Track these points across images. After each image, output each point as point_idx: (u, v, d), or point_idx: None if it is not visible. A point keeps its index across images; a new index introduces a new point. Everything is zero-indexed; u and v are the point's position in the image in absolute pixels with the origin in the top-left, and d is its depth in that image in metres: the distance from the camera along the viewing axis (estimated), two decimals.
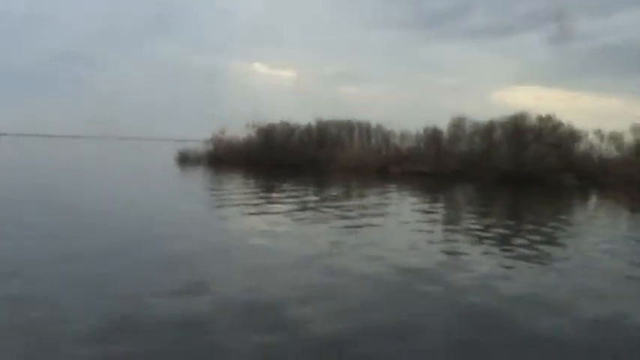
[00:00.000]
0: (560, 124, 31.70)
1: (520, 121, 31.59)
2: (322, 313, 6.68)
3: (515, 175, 29.47)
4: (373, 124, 37.03)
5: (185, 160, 39.80)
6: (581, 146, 32.05)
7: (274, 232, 12.44)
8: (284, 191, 22.99)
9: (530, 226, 15.26)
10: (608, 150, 34.65)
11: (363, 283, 8.20)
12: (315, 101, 56.99)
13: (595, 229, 15.64)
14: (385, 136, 36.11)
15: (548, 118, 31.53)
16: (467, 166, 30.87)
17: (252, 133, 39.19)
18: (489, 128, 31.92)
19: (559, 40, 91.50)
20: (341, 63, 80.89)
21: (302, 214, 16.02)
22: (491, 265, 9.72)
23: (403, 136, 35.36)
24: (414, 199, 22.21)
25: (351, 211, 16.83)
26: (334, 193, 23.62)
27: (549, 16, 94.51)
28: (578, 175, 29.87)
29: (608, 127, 35.36)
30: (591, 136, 33.93)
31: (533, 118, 31.61)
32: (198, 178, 29.65)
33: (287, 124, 39.40)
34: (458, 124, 32.48)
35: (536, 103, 76.18)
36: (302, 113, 36.75)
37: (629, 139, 34.32)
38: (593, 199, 26.33)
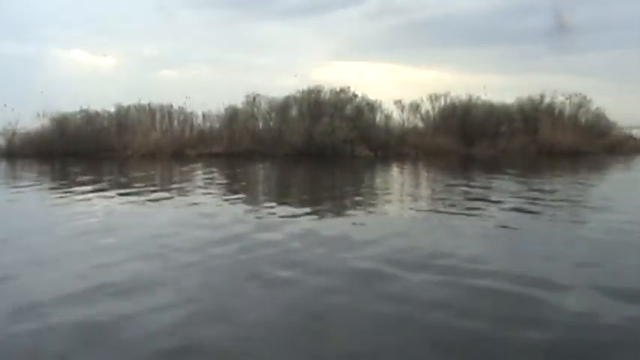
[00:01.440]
0: (355, 96, 31.17)
1: (315, 95, 30.70)
2: None
3: (307, 149, 28.59)
4: (175, 106, 34.69)
5: None
6: (379, 117, 31.69)
7: None
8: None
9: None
10: (410, 120, 34.91)
11: None
12: (136, 87, 53.38)
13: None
14: (187, 118, 33.98)
15: (342, 90, 30.88)
16: (261, 144, 29.58)
17: (45, 123, 35.54)
18: (284, 104, 30.77)
19: (377, 16, 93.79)
20: (161, 46, 77.33)
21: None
22: None
23: (206, 117, 33.37)
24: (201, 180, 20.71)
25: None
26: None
27: None
28: (373, 147, 29.51)
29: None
30: (391, 107, 33.93)
31: (328, 92, 30.80)
32: None
33: (85, 111, 36.25)
34: (252, 101, 31.04)
35: (357, 78, 77.23)
36: (122, 100, 33.42)
37: (426, 107, 34.81)
38: (382, 169, 25.94)
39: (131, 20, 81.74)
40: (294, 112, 30.63)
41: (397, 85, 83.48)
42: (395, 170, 25.18)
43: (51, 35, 67.71)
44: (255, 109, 30.94)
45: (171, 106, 34.92)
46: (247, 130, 30.35)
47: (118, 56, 73.99)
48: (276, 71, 75.09)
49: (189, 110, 33.90)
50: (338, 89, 30.85)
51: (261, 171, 24.75)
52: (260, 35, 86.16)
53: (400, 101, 34.67)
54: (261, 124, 30.80)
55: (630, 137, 37.42)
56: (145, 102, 35.74)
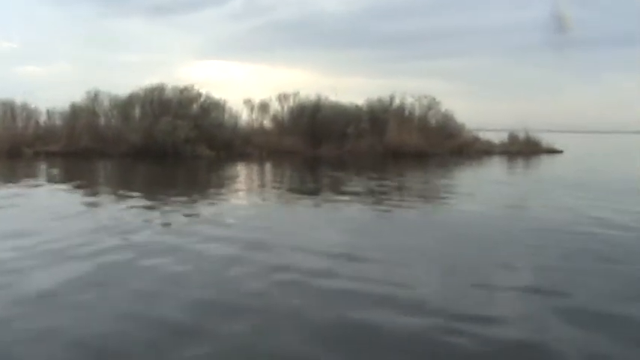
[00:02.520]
0: (199, 94, 31.09)
1: (158, 93, 30.36)
2: None
3: (148, 148, 28.21)
4: (18, 102, 33.04)
5: None
6: (225, 117, 31.71)
7: None
8: None
9: None
10: (259, 119, 35.06)
11: None
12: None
13: None
14: (30, 115, 32.56)
15: (186, 89, 30.71)
16: (101, 142, 28.88)
17: None
18: (127, 102, 30.21)
19: (240, 16, 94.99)
20: (19, 41, 74.34)
21: None
22: None
23: (50, 114, 32.14)
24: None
25: None
26: None
27: None
28: (216, 146, 29.47)
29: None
30: (240, 106, 33.94)
31: (171, 90, 30.53)
32: None
33: None
34: (93, 98, 30.26)
35: (221, 77, 77.90)
36: None
37: (275, 107, 35.09)
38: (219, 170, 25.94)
39: None
40: (136, 110, 30.06)
41: (261, 85, 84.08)
42: (233, 170, 25.31)
43: None
44: (97, 107, 30.06)
45: (13, 102, 33.39)
46: (87, 128, 29.46)
47: None
48: (140, 69, 73.72)
49: (32, 107, 32.64)
50: (182, 87, 30.60)
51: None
52: (124, 32, 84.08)
53: (250, 100, 34.77)
54: (102, 122, 29.96)
55: (477, 139, 39.40)
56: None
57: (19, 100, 32.00)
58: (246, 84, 67.27)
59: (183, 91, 30.43)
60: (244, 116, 33.54)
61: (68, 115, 30.73)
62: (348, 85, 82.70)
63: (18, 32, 75.14)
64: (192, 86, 30.78)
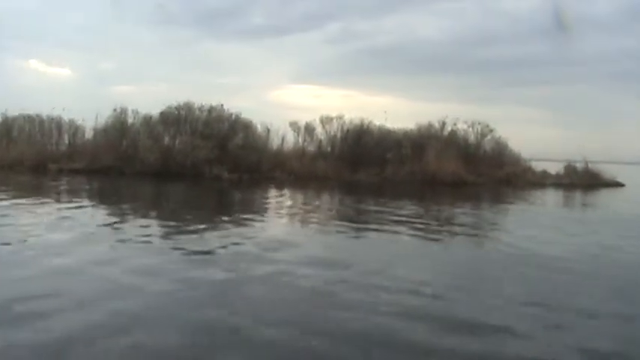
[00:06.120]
0: (229, 115, 29.95)
1: (185, 112, 29.40)
2: None
3: (165, 168, 27.19)
4: (66, 118, 32.78)
5: None
6: (254, 138, 30.39)
7: None
8: None
9: None
10: (307, 142, 33.79)
11: None
12: (91, 100, 52.06)
13: None
14: (77, 132, 32.04)
15: (213, 108, 29.60)
16: (122, 160, 28.13)
17: None
18: (155, 120, 29.43)
19: (335, 41, 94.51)
20: (117, 61, 76.62)
21: None
22: None
23: (81, 130, 31.81)
24: None
25: None
26: None
27: (325, 17, 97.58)
28: (238, 169, 28.12)
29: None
30: (287, 129, 32.93)
31: (197, 110, 29.52)
32: None
33: None
34: (119, 115, 29.65)
35: (313, 101, 77.09)
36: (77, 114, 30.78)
37: (319, 130, 33.71)
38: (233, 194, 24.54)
39: (89, 34, 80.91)
40: (160, 128, 29.18)
41: (351, 110, 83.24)
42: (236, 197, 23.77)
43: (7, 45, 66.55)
44: (120, 125, 29.40)
45: (61, 117, 33.21)
46: (111, 146, 28.82)
47: (74, 69, 73.02)
48: (233, 91, 74.46)
49: (66, 121, 32.37)
50: (209, 107, 29.50)
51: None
52: (219, 55, 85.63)
53: (296, 123, 33.66)
54: (125, 141, 29.18)
55: (529, 169, 36.31)
56: (32, 112, 34.15)
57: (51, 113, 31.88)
58: (336, 109, 66.33)
59: (211, 110, 29.23)
60: (290, 138, 32.27)
61: (97, 132, 30.24)
62: (437, 110, 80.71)
63: (116, 53, 78.00)
64: (222, 105, 29.55)
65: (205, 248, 10.20)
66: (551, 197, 28.61)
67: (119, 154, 28.22)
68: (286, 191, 25.18)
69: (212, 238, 11.32)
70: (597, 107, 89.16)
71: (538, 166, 38.15)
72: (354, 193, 25.26)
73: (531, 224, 16.54)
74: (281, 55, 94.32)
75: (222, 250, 10.00)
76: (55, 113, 31.54)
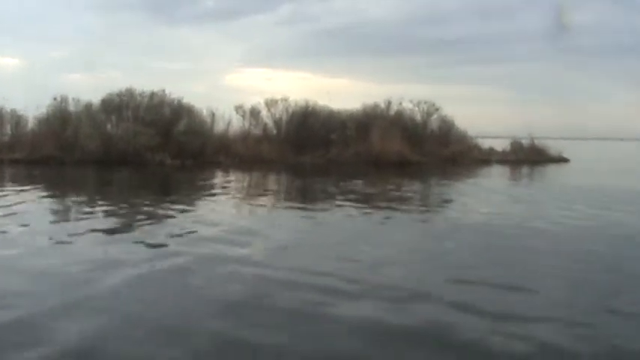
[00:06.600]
0: (171, 100, 29.84)
1: (126, 98, 29.19)
2: None
3: (107, 155, 27.01)
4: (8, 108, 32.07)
5: None
6: (197, 123, 30.30)
7: None
8: None
9: None
10: (252, 125, 33.87)
11: None
12: (44, 89, 50.73)
13: None
14: (12, 122, 31.41)
15: (155, 94, 29.44)
16: (62, 149, 27.84)
17: None
18: (88, 108, 29.10)
19: (287, 22, 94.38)
20: (68, 49, 75.16)
21: None
22: None
23: (23, 120, 31.24)
24: None
25: None
26: None
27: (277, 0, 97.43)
28: (182, 154, 28.10)
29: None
30: (230, 113, 32.96)
31: (139, 95, 29.32)
32: None
33: None
34: (59, 104, 29.29)
35: (267, 85, 76.96)
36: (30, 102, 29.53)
37: (264, 113, 33.79)
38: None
39: (38, 21, 78.97)
40: (101, 116, 28.93)
41: (305, 93, 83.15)
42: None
43: None
44: (60, 113, 29.03)
45: (2, 108, 32.44)
46: (52, 134, 28.46)
47: (23, 58, 71.27)
48: (189, 76, 73.71)
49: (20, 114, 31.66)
50: (150, 92, 29.33)
51: None
52: (172, 40, 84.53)
53: (242, 107, 33.73)
54: (67, 130, 28.80)
55: (475, 147, 36.97)
56: None
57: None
58: (292, 92, 65.70)
59: (153, 96, 29.08)
60: (237, 123, 32.33)
61: (39, 122, 29.79)
62: (396, 93, 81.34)
63: (65, 40, 76.13)
64: (164, 91, 29.42)
65: None
66: (491, 172, 29.30)
67: (60, 142, 27.88)
68: (232, 175, 25.40)
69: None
70: (549, 85, 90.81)
71: (486, 144, 38.84)
72: (296, 176, 25.57)
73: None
74: (233, 38, 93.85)
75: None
76: None
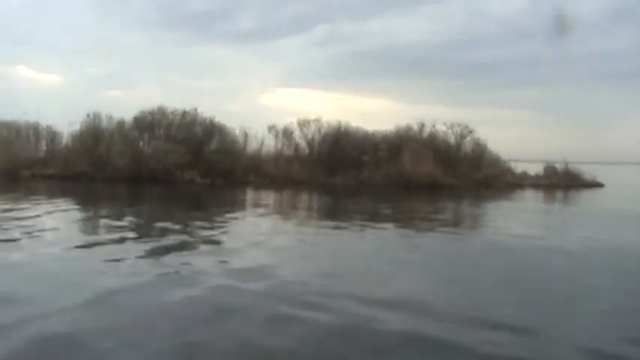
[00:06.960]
0: (203, 119, 29.88)
1: (159, 117, 29.34)
2: None
3: (137, 172, 27.08)
4: (44, 124, 32.49)
5: None
6: (229, 142, 30.29)
7: None
8: None
9: None
10: (285, 145, 33.76)
11: None
12: (81, 105, 51.64)
13: None
14: (55, 138, 31.78)
15: (187, 113, 29.53)
16: (94, 166, 28.00)
17: None
18: (120, 126, 29.32)
19: (322, 44, 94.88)
20: (105, 66, 76.39)
21: None
22: None
23: (57, 136, 31.64)
24: None
25: None
26: None
27: (312, 20, 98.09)
28: (212, 173, 28.04)
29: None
30: (264, 133, 32.93)
31: (170, 114, 29.44)
32: None
33: None
34: (93, 121, 29.54)
35: (303, 105, 77.11)
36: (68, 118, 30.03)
37: (297, 133, 33.67)
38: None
39: (75, 39, 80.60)
40: (134, 133, 29.12)
41: (341, 113, 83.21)
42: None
43: None
44: (93, 130, 29.28)
45: (38, 123, 32.91)
46: (85, 151, 28.71)
47: (62, 74, 72.72)
48: (224, 95, 74.35)
49: (44, 127, 32.13)
50: (182, 111, 29.44)
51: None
52: (208, 59, 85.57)
53: (274, 127, 33.63)
54: (101, 147, 29.02)
55: (508, 170, 36.21)
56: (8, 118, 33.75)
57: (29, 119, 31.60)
58: (327, 112, 66.01)
59: (185, 114, 29.19)
60: (268, 142, 32.31)
61: (73, 138, 30.11)
62: (426, 113, 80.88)
63: (102, 57, 77.72)
64: (195, 110, 29.50)
65: None
66: (525, 196, 28.61)
67: (92, 159, 28.07)
68: (261, 194, 25.25)
69: None
70: (583, 108, 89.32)
71: (519, 168, 38.05)
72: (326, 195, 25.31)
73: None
74: (270, 58, 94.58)
75: None
76: (33, 119, 31.29)
